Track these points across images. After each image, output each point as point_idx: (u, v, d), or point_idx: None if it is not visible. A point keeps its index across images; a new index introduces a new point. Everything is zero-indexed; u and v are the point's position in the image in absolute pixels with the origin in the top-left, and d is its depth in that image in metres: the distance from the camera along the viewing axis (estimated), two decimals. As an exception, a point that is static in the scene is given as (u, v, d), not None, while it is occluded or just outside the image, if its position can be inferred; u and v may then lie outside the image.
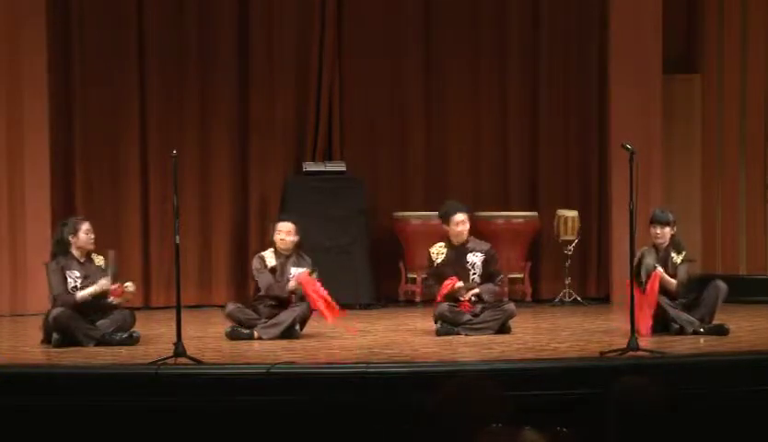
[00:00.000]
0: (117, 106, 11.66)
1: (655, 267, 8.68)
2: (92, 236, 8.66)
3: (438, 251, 9.10)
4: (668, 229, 8.90)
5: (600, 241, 12.16)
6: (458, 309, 8.90)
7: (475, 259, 9.06)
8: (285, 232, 8.93)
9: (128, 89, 11.66)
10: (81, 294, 8.44)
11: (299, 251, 9.06)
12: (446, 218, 9.11)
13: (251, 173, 11.93)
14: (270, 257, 8.93)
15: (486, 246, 9.18)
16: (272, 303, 8.86)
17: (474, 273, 9.04)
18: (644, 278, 8.67)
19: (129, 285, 8.61)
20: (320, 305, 8.67)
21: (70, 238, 8.61)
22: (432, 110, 12.24)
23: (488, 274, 9.07)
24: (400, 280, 11.84)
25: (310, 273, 8.80)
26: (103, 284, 8.46)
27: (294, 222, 9.03)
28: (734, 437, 6.47)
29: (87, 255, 8.66)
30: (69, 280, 8.50)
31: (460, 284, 8.91)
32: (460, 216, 9.06)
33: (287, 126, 12.02)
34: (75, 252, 8.60)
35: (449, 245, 9.10)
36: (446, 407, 3.61)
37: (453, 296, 8.93)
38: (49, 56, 11.20)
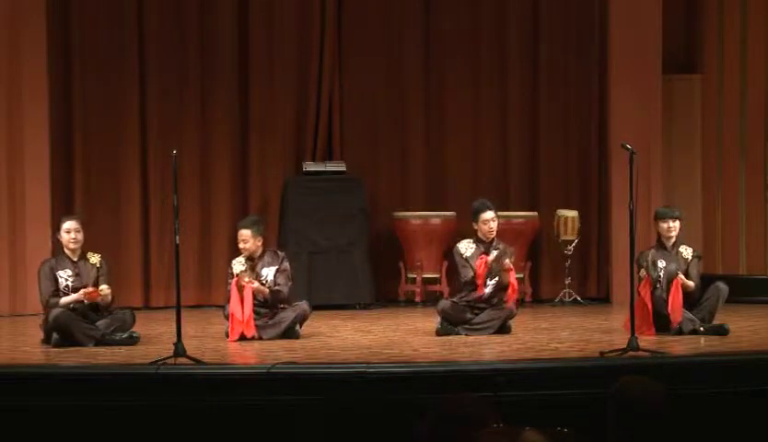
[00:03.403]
0: (117, 106, 11.66)
1: (677, 274, 8.70)
2: (75, 235, 8.56)
3: (467, 246, 9.07)
4: (678, 223, 8.92)
5: (600, 241, 12.16)
6: (465, 305, 8.88)
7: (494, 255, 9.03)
8: (241, 240, 8.87)
9: (128, 89, 11.66)
10: (64, 300, 8.42)
11: (272, 251, 9.07)
12: (475, 215, 9.10)
13: (251, 173, 11.93)
14: (238, 263, 8.85)
15: (508, 246, 9.18)
16: (263, 302, 8.81)
17: (505, 249, 9.04)
18: (664, 284, 8.71)
19: (103, 288, 8.46)
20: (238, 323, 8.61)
21: (58, 237, 8.63)
22: (432, 110, 12.23)
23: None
24: (400, 280, 11.84)
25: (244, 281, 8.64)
26: (81, 293, 8.44)
27: (250, 227, 8.89)
28: (734, 437, 6.47)
29: (82, 254, 8.64)
30: (60, 280, 8.48)
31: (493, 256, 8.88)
32: (489, 214, 9.04)
33: (287, 126, 12.02)
34: (66, 251, 8.59)
35: (478, 241, 9.08)
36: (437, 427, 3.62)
37: (495, 271, 8.87)
38: (49, 56, 11.20)
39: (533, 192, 12.26)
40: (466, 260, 9.01)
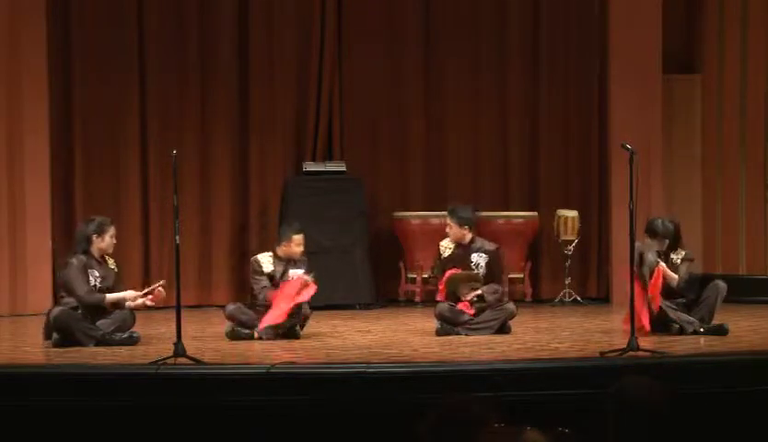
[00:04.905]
0: (117, 106, 11.66)
1: (657, 263, 8.72)
2: (115, 241, 8.67)
3: (446, 246, 9.12)
4: (654, 242, 8.88)
5: (600, 241, 12.16)
6: (458, 309, 8.91)
7: (479, 259, 9.04)
8: (302, 244, 8.97)
9: (128, 89, 11.66)
10: (111, 297, 8.44)
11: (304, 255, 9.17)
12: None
13: (251, 173, 11.93)
14: (267, 262, 8.92)
15: (492, 247, 9.17)
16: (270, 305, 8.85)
17: (478, 273, 9.03)
18: (647, 274, 8.72)
19: (162, 283, 8.60)
20: (277, 310, 8.66)
21: (93, 237, 8.58)
22: (432, 110, 12.23)
23: (492, 276, 9.06)
24: (400, 280, 11.84)
25: (310, 278, 8.78)
26: (132, 295, 8.49)
27: (303, 233, 9.07)
28: (734, 437, 6.47)
29: (102, 256, 8.65)
30: (90, 279, 8.49)
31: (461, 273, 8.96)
32: (448, 219, 9.12)
33: (287, 126, 12.03)
34: (93, 252, 8.59)
35: (457, 242, 9.12)
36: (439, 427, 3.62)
37: (454, 294, 8.93)
38: (49, 56, 11.20)
39: (533, 192, 12.26)
40: (442, 261, 9.12)
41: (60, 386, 6.76)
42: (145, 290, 8.57)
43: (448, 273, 8.98)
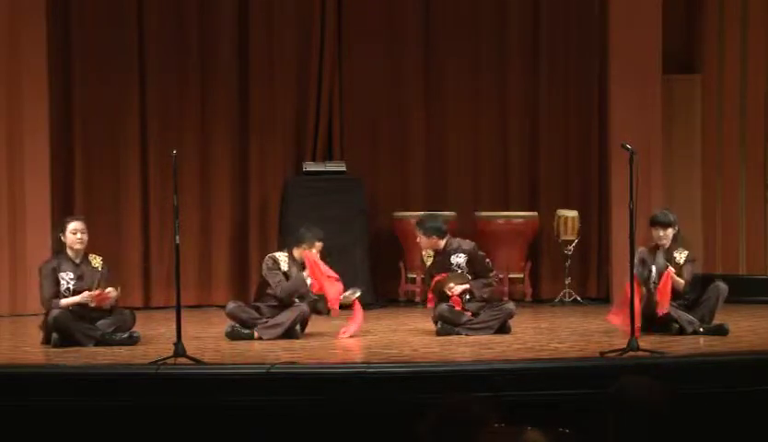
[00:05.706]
0: (117, 106, 11.66)
1: (667, 266, 8.73)
2: (80, 236, 8.51)
3: (428, 255, 9.17)
4: (670, 230, 8.94)
5: (600, 241, 12.15)
6: (456, 309, 8.91)
7: (459, 259, 9.08)
8: (319, 251, 9.01)
9: (128, 89, 11.66)
10: (64, 301, 8.36)
11: None
12: None
13: (251, 173, 11.93)
14: (283, 261, 8.96)
15: (469, 245, 9.19)
16: (274, 303, 8.86)
17: (463, 273, 9.04)
18: (655, 278, 8.74)
19: (110, 291, 8.46)
20: (325, 283, 8.70)
21: (61, 237, 8.59)
22: (432, 110, 12.24)
23: (476, 273, 9.07)
24: (400, 280, 11.84)
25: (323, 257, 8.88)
26: (85, 296, 8.39)
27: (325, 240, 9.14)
28: (734, 437, 6.47)
29: (84, 256, 8.61)
30: (62, 282, 8.43)
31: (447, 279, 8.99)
32: (416, 231, 9.23)
33: (287, 126, 12.03)
34: (69, 253, 8.56)
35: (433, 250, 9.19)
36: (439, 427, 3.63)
37: (443, 293, 8.94)
38: (49, 56, 11.20)
39: (533, 192, 12.26)
40: (428, 269, 9.18)
41: (60, 386, 6.77)
42: (97, 291, 8.43)
43: (434, 279, 9.00)
